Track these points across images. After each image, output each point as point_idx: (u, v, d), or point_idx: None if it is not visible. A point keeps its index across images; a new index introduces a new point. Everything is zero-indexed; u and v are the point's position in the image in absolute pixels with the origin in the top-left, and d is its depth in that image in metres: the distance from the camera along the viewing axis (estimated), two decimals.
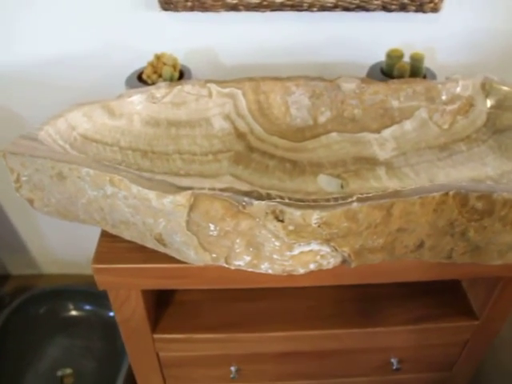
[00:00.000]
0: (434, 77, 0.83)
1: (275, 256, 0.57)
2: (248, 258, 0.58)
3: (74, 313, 1.12)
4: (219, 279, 0.64)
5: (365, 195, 0.54)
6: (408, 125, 0.75)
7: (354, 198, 0.54)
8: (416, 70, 0.82)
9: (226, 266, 0.59)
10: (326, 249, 0.57)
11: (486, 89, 0.74)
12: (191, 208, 0.54)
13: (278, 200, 0.53)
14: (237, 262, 0.58)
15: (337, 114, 0.75)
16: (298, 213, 0.52)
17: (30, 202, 0.64)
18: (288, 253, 0.57)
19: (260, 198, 0.53)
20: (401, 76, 0.81)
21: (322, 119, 0.75)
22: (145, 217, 0.57)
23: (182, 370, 0.80)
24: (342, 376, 0.83)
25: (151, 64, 0.79)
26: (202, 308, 0.76)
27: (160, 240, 0.59)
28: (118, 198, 0.57)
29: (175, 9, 0.82)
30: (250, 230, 0.55)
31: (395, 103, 0.74)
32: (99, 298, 1.09)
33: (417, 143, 0.74)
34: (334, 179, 0.70)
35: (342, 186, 0.69)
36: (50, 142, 0.64)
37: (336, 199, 0.54)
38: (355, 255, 0.58)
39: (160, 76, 0.78)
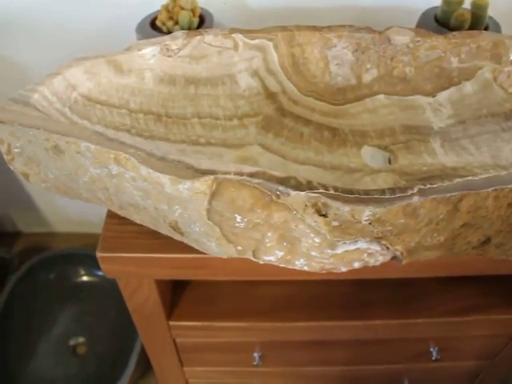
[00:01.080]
0: (498, 28, 0.69)
1: (313, 253, 0.48)
2: (280, 254, 0.49)
3: (85, 278, 1.06)
4: (243, 271, 0.55)
5: (428, 186, 0.44)
6: (468, 87, 0.62)
7: (415, 190, 0.43)
8: (477, 20, 0.68)
9: (254, 259, 0.51)
10: (375, 247, 0.47)
11: None
12: (213, 195, 0.45)
13: (321, 191, 0.43)
14: (267, 257, 0.50)
15: (385, 72, 0.62)
16: (346, 208, 0.43)
17: (25, 176, 0.55)
18: (329, 251, 0.47)
19: (298, 186, 0.44)
20: (460, 26, 0.68)
21: (367, 78, 0.63)
22: (157, 202, 0.48)
23: (201, 354, 0.74)
24: (375, 363, 0.77)
25: (166, 8, 0.66)
26: (221, 292, 0.68)
27: (176, 228, 0.50)
28: (124, 178, 0.48)
29: None
30: (284, 224, 0.46)
31: (454, 61, 0.61)
32: None
33: (478, 109, 0.62)
34: (380, 152, 0.59)
35: (389, 161, 0.59)
36: (46, 106, 0.54)
37: (392, 190, 0.44)
38: (408, 253, 0.49)
39: (176, 23, 0.66)
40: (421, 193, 0.43)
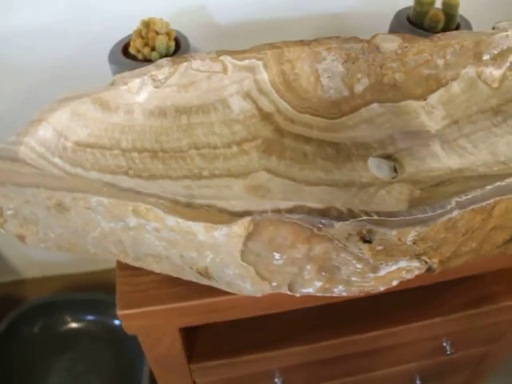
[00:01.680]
0: (469, 26, 0.71)
1: (354, 278, 0.46)
2: (319, 284, 0.47)
3: (72, 325, 0.98)
4: (274, 304, 0.53)
5: (464, 198, 0.44)
6: (455, 87, 0.63)
7: (454, 204, 0.43)
8: (450, 19, 0.69)
9: (290, 293, 0.49)
10: (414, 264, 0.47)
11: None
12: (249, 236, 0.42)
13: (366, 218, 0.42)
14: (305, 290, 0.47)
15: (375, 80, 0.62)
16: (393, 232, 0.42)
17: (21, 238, 0.49)
18: (371, 274, 0.46)
19: (341, 215, 0.42)
20: (434, 27, 0.69)
21: (359, 88, 0.62)
22: (184, 250, 0.44)
23: None
24: (390, 366, 0.77)
25: (139, 34, 0.62)
26: (236, 323, 0.65)
27: (205, 273, 0.47)
28: (145, 230, 0.44)
29: None
30: (324, 254, 0.44)
31: (440, 63, 0.62)
32: (100, 304, 0.95)
33: (467, 108, 0.63)
34: (385, 162, 0.59)
35: (395, 170, 0.58)
36: (35, 159, 0.48)
37: (433, 208, 0.43)
38: (442, 263, 0.49)
39: (153, 49, 0.61)
40: (459, 205, 0.43)
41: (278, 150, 0.58)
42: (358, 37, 0.61)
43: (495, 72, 0.63)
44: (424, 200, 0.53)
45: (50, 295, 0.97)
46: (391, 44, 0.60)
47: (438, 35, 0.62)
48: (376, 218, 0.42)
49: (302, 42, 0.59)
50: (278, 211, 0.42)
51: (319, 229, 0.42)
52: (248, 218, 0.41)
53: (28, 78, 0.75)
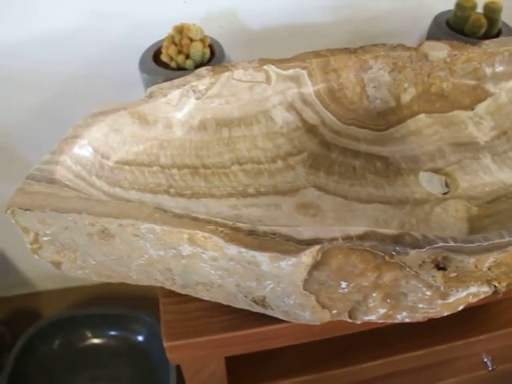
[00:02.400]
0: (510, 31, 0.68)
1: (421, 305, 0.43)
2: (383, 311, 0.44)
3: (93, 341, 0.93)
4: (328, 330, 0.50)
5: None
6: (503, 96, 0.61)
7: None
8: (492, 24, 0.66)
9: (350, 320, 0.45)
10: (484, 289, 0.44)
11: None
12: (316, 265, 0.39)
13: (442, 244, 0.39)
14: (367, 317, 0.44)
15: (423, 90, 0.59)
16: (471, 260, 0.38)
17: (56, 265, 0.46)
18: (440, 301, 0.43)
19: (415, 242, 0.39)
20: (476, 32, 0.66)
21: (405, 98, 0.59)
22: (242, 280, 0.41)
23: None
24: (431, 382, 0.74)
25: (171, 40, 0.58)
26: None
27: (260, 303, 0.44)
28: (200, 259, 0.40)
29: None
30: (393, 282, 0.41)
31: (489, 71, 0.59)
32: (121, 319, 0.91)
33: None
34: (436, 176, 0.56)
35: (446, 185, 0.55)
36: (72, 179, 0.45)
37: (509, 232, 0.40)
38: (508, 285, 0.46)
39: (187, 57, 0.58)
40: None
41: (325, 165, 0.55)
42: (404, 44, 0.58)
43: None
44: (483, 218, 0.51)
45: (68, 310, 0.93)
46: (440, 52, 0.57)
47: (487, 42, 0.59)
48: (453, 244, 0.39)
49: (347, 50, 0.56)
50: (348, 238, 0.38)
51: (391, 256, 0.39)
52: (317, 247, 0.38)
53: (49, 88, 0.71)
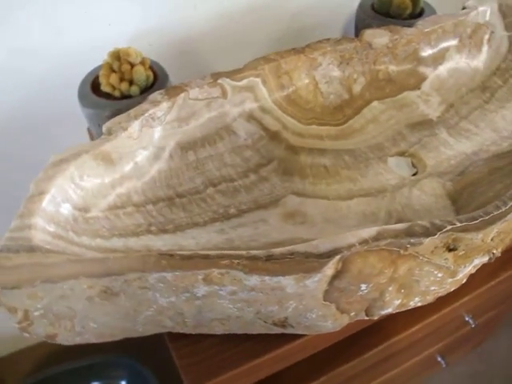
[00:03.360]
0: (432, 10, 0.71)
1: (432, 288, 0.44)
2: (397, 302, 0.44)
3: None
4: (340, 333, 0.49)
5: None
6: (443, 71, 0.63)
7: None
8: (415, 4, 0.69)
9: (367, 318, 0.45)
10: (485, 258, 0.45)
11: (503, 11, 0.66)
12: (336, 275, 0.38)
13: (450, 227, 0.39)
14: (384, 311, 0.44)
15: (371, 78, 0.60)
16: (479, 235, 0.40)
17: (51, 338, 0.41)
18: (450, 280, 0.44)
19: (426, 231, 0.39)
20: (401, 14, 0.68)
21: (357, 89, 0.59)
22: (264, 306, 0.39)
23: None
24: (416, 355, 0.77)
25: (109, 68, 0.54)
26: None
27: (280, 324, 0.42)
28: (217, 296, 0.38)
29: None
30: (408, 272, 0.41)
31: (427, 49, 0.62)
32: (99, 368, 0.83)
33: (458, 90, 0.63)
34: (403, 159, 0.57)
35: (413, 165, 0.57)
36: (50, 241, 0.40)
37: (504, 201, 0.42)
38: (503, 250, 0.48)
39: (131, 83, 0.54)
40: None
41: (297, 169, 0.54)
42: (342, 35, 0.58)
43: (473, 49, 0.64)
44: (461, 191, 0.52)
45: (36, 373, 0.84)
46: (382, 39, 0.58)
47: (421, 22, 0.61)
48: (459, 224, 0.40)
49: (295, 51, 0.55)
50: (364, 241, 0.38)
51: (406, 249, 0.39)
52: (337, 257, 0.37)
53: None
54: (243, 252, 0.37)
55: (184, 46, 0.67)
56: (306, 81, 0.57)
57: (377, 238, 0.38)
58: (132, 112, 0.48)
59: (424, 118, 0.60)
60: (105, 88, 0.54)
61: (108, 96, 0.55)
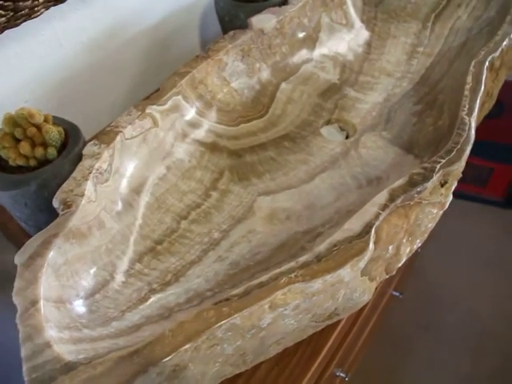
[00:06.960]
0: None
1: (430, 225, 0.47)
2: (407, 250, 0.47)
3: None
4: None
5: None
6: (324, 37, 0.66)
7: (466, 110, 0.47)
8: None
9: (387, 276, 0.47)
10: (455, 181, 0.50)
11: None
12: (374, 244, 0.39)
13: (440, 165, 0.42)
14: (398, 265, 0.46)
15: (271, 62, 0.60)
16: (462, 163, 0.44)
17: None
18: (440, 212, 0.48)
19: (424, 177, 0.42)
20: None
21: (263, 76, 0.59)
22: (319, 307, 0.38)
23: None
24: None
25: (12, 137, 0.45)
26: None
27: (329, 317, 0.41)
28: (282, 317, 0.36)
29: None
30: (415, 218, 0.44)
31: (306, 21, 0.64)
32: None
33: (340, 48, 0.67)
34: (331, 127, 0.59)
35: (341, 128, 0.60)
36: (74, 350, 0.33)
37: (462, 129, 0.46)
38: None
39: (45, 146, 0.46)
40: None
41: (250, 171, 0.53)
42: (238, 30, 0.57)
43: (338, 10, 0.69)
44: (398, 135, 0.56)
45: None
46: (270, 22, 0.59)
47: None
48: (443, 160, 0.43)
49: (201, 57, 0.53)
50: (385, 206, 0.39)
51: (413, 199, 0.41)
52: (372, 230, 0.37)
53: None
54: (292, 263, 0.36)
55: (62, 89, 0.59)
56: (219, 83, 0.55)
57: (391, 199, 0.40)
58: (76, 174, 0.42)
59: (329, 84, 0.63)
60: (17, 162, 0.46)
61: (23, 169, 0.46)
